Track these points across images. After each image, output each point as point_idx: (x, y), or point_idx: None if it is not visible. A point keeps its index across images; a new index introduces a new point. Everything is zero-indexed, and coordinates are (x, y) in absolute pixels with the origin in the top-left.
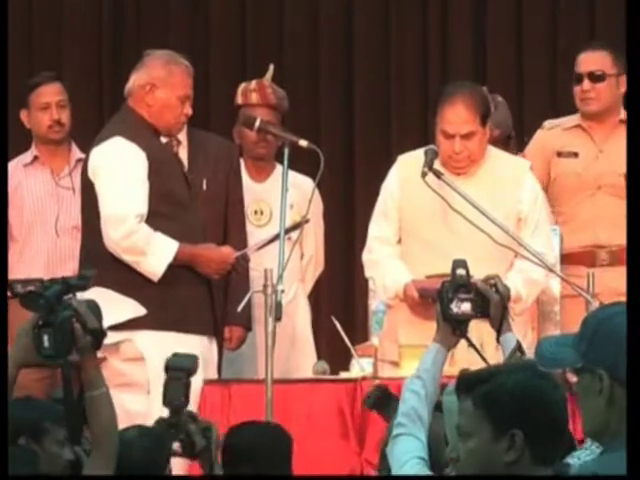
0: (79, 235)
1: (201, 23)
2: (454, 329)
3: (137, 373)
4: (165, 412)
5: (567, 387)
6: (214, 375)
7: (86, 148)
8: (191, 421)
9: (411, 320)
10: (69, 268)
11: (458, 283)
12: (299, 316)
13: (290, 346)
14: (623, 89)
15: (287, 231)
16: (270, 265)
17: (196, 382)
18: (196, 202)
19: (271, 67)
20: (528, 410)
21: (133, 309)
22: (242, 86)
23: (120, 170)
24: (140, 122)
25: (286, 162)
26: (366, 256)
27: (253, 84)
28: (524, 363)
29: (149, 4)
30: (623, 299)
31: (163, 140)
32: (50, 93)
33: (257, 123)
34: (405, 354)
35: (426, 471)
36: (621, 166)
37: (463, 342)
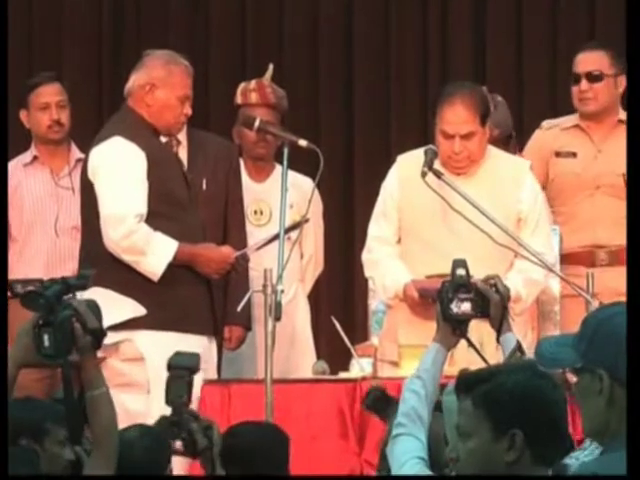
0: (79, 235)
1: (201, 23)
2: (454, 329)
3: (137, 373)
4: (165, 412)
5: (566, 387)
6: (214, 375)
7: (86, 148)
8: (193, 420)
9: (411, 320)
10: (69, 268)
11: (458, 283)
12: (299, 316)
13: (290, 346)
14: (621, 89)
15: (287, 231)
16: (270, 265)
17: (195, 382)
18: (196, 202)
19: (270, 67)
20: (528, 410)
21: (133, 309)
22: (241, 86)
23: (119, 170)
24: (140, 122)
25: (285, 162)
26: (366, 256)
27: (253, 84)
28: (524, 363)
29: (149, 4)
30: (623, 299)
31: (163, 140)
32: (50, 93)
33: (257, 123)
34: (405, 354)
35: (426, 471)
36: (620, 166)
37: (463, 342)
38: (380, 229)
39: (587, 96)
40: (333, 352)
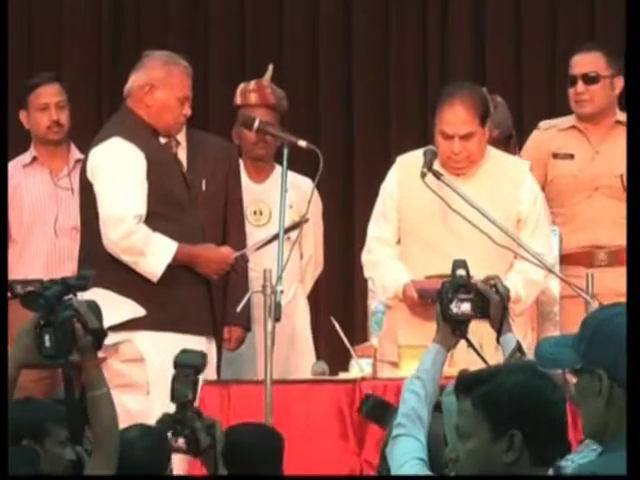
0: (78, 236)
1: (200, 24)
2: (454, 329)
3: (137, 374)
4: (165, 412)
5: (566, 389)
6: (213, 376)
7: (85, 149)
8: (197, 418)
9: (410, 321)
10: (68, 269)
11: (458, 283)
12: (298, 316)
13: (289, 346)
14: (618, 90)
15: (286, 231)
16: (269, 265)
17: None
18: (195, 203)
19: (270, 67)
20: (527, 411)
21: (132, 310)
22: (241, 86)
23: (119, 171)
24: (139, 123)
25: (285, 162)
26: (365, 256)
27: (252, 84)
28: (523, 364)
29: (149, 5)
30: (622, 300)
31: (162, 141)
32: (49, 94)
33: (256, 123)
34: (404, 355)
35: (425, 472)
36: (618, 167)
37: (463, 343)
38: (380, 230)
39: (583, 98)
40: (333, 353)
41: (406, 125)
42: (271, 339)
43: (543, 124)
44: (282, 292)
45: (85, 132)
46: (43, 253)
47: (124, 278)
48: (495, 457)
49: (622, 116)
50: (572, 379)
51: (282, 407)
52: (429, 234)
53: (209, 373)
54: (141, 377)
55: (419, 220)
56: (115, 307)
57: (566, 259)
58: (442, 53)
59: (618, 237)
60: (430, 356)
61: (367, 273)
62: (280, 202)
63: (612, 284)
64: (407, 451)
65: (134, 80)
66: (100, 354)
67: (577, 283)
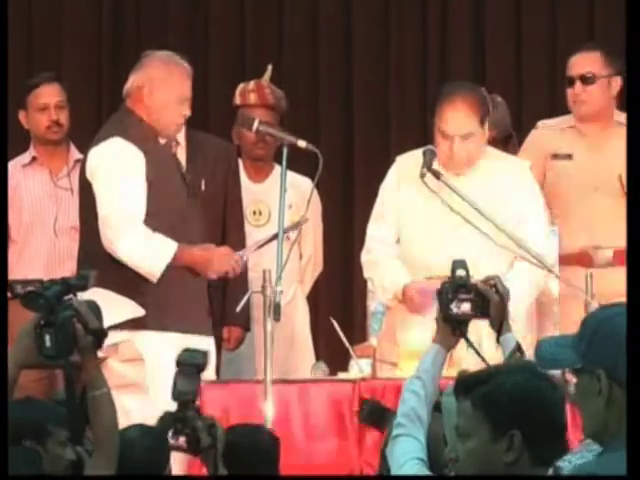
0: (77, 236)
1: (200, 24)
2: (454, 329)
3: (136, 374)
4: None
5: (565, 391)
6: (212, 376)
7: (85, 149)
8: (198, 417)
9: (410, 321)
10: (68, 269)
11: (458, 283)
12: (298, 317)
13: (289, 347)
14: (616, 90)
15: (286, 231)
16: (269, 266)
17: None
18: (194, 203)
19: (269, 68)
20: (527, 411)
21: (131, 310)
22: (240, 87)
23: (118, 171)
24: (138, 123)
25: (285, 162)
26: (365, 257)
27: (251, 85)
28: (523, 364)
29: (148, 5)
30: (622, 300)
31: (161, 141)
32: (49, 94)
33: (255, 124)
34: (404, 355)
35: (425, 472)
36: (616, 168)
37: (462, 343)
38: (379, 230)
39: (581, 98)
40: (332, 353)
41: (406, 125)
42: (270, 339)
43: (541, 124)
44: (281, 292)
45: (85, 132)
46: (43, 253)
47: (123, 278)
48: (495, 457)
49: (620, 116)
50: (572, 379)
51: (281, 407)
52: (429, 234)
53: (208, 373)
54: (140, 377)
55: (419, 220)
56: (114, 307)
57: (565, 259)
58: (442, 53)
59: (617, 237)
60: (430, 356)
61: (366, 273)
62: (279, 202)
63: (612, 284)
64: (407, 451)
65: (134, 80)
66: (99, 354)
67: (576, 283)
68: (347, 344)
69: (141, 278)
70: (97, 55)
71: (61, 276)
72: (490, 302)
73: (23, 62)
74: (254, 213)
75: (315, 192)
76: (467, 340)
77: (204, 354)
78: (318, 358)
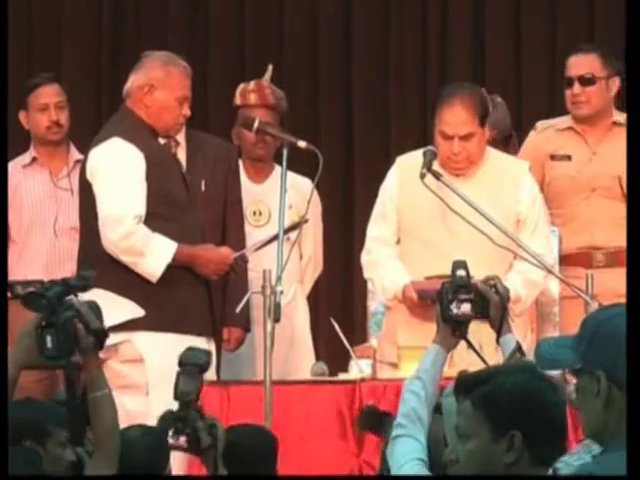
0: (77, 236)
1: (200, 24)
2: (454, 330)
3: (136, 374)
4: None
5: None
6: (213, 376)
7: (85, 149)
8: (199, 417)
9: (410, 321)
10: (68, 269)
11: (458, 284)
12: (298, 317)
13: (289, 347)
14: (614, 91)
15: (286, 232)
16: (269, 266)
17: None
18: (194, 203)
19: (270, 68)
20: (527, 411)
21: (131, 310)
22: (241, 87)
23: (118, 171)
24: (138, 123)
25: (285, 163)
26: (365, 257)
27: (252, 85)
28: (523, 364)
29: (148, 5)
30: (622, 300)
31: (161, 141)
32: (49, 94)
33: (256, 124)
34: (404, 355)
35: (425, 472)
36: (615, 168)
37: (462, 343)
38: (379, 230)
39: (580, 100)
40: (332, 353)
41: (406, 125)
42: (270, 340)
43: (540, 125)
44: (282, 293)
45: (85, 132)
46: (43, 254)
47: (123, 278)
48: (495, 457)
49: (619, 117)
50: (572, 380)
51: (282, 408)
52: (429, 235)
53: (208, 374)
54: (140, 378)
55: (419, 221)
56: (114, 308)
57: (565, 260)
58: (442, 53)
59: (616, 238)
60: (430, 357)
61: (366, 274)
62: (279, 202)
63: (611, 285)
64: (407, 452)
65: (133, 80)
66: (100, 355)
67: (576, 284)
68: (347, 345)
69: (141, 278)
70: (97, 55)
71: (61, 277)
72: (490, 302)
73: (23, 62)
74: (254, 213)
75: (315, 192)
76: (467, 341)
77: (207, 354)
78: (318, 358)
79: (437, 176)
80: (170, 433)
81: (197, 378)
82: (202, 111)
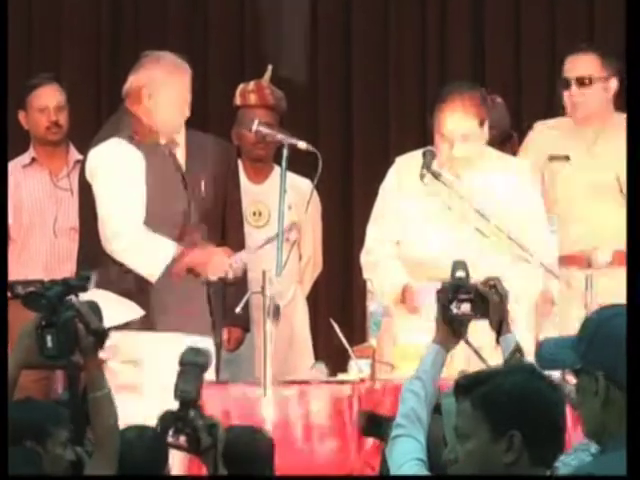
0: (77, 236)
1: (199, 24)
2: (454, 330)
3: (135, 375)
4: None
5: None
6: (212, 376)
7: (84, 149)
8: (199, 417)
9: (409, 321)
10: (67, 269)
11: (458, 284)
12: (297, 317)
13: (288, 347)
14: (612, 91)
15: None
16: (268, 266)
17: None
18: (194, 203)
19: (269, 68)
20: (526, 411)
21: (131, 310)
22: (240, 87)
23: (117, 171)
24: (138, 123)
25: (284, 163)
26: (364, 257)
27: (251, 85)
28: (522, 364)
29: (147, 5)
30: (621, 301)
31: (161, 142)
32: (48, 95)
33: (255, 124)
34: (403, 355)
35: (425, 472)
36: (614, 168)
37: (462, 343)
38: (379, 230)
39: (578, 101)
40: (331, 353)
41: (405, 125)
42: (270, 340)
43: (538, 126)
44: (281, 293)
45: (84, 133)
46: (42, 254)
47: (123, 279)
48: (494, 458)
49: (617, 117)
50: (572, 380)
51: (281, 408)
52: (428, 235)
53: (208, 374)
54: (140, 378)
55: (418, 221)
56: (113, 308)
57: (565, 260)
58: (441, 52)
59: (616, 238)
60: (430, 357)
61: (366, 274)
62: (279, 203)
63: (611, 285)
64: (406, 451)
65: (133, 81)
66: (99, 355)
67: (576, 284)
68: (346, 345)
69: (140, 279)
70: (96, 56)
71: (60, 277)
72: (490, 303)
73: (23, 63)
74: (254, 214)
75: (315, 193)
76: (467, 341)
77: (208, 353)
78: (317, 359)
79: (437, 176)
80: (170, 433)
81: (197, 378)
82: (202, 111)
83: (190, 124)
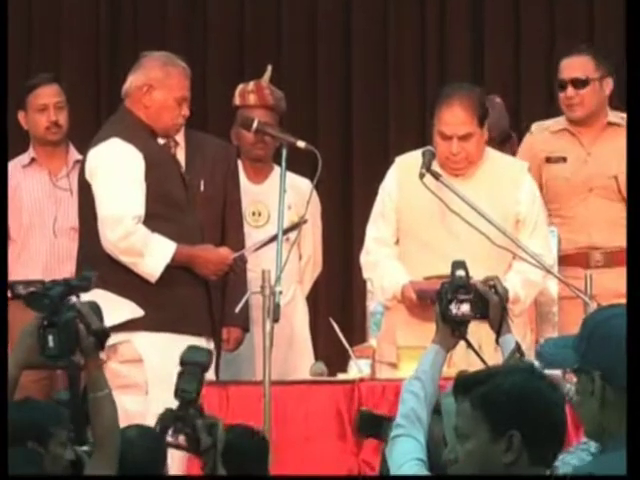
0: (77, 236)
1: (199, 24)
2: (453, 330)
3: (135, 374)
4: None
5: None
6: (212, 376)
7: (84, 149)
8: (199, 416)
9: (409, 321)
10: (67, 269)
11: (457, 284)
12: (297, 317)
13: (288, 347)
14: (608, 91)
15: (285, 232)
16: (268, 266)
17: None
18: (193, 203)
19: (269, 68)
20: (525, 411)
21: (130, 310)
22: (240, 87)
23: (117, 171)
24: (137, 123)
25: (284, 163)
26: (364, 257)
27: (251, 85)
28: (522, 364)
29: (146, 5)
30: (620, 300)
31: (160, 141)
32: (48, 94)
33: (255, 124)
34: (403, 355)
35: (424, 472)
36: (610, 168)
37: (462, 343)
38: (378, 230)
39: (574, 102)
40: (331, 353)
41: (405, 125)
42: (270, 340)
43: (535, 127)
44: (281, 293)
45: (84, 133)
46: (42, 254)
47: (123, 279)
48: (494, 457)
49: (613, 117)
50: (573, 379)
51: (281, 408)
52: (428, 235)
53: (208, 374)
54: (140, 378)
55: (418, 221)
56: (113, 308)
57: (564, 260)
58: (441, 52)
59: (615, 238)
60: (429, 357)
61: (366, 274)
62: (279, 203)
63: (610, 285)
64: (406, 451)
65: (132, 81)
66: (100, 355)
67: (575, 284)
68: (346, 345)
69: (140, 279)
70: (95, 56)
71: (60, 277)
72: (489, 303)
73: (22, 63)
74: (253, 214)
75: (314, 193)
76: (466, 341)
77: (208, 353)
78: (317, 359)
79: (436, 176)
80: (169, 432)
81: (198, 377)
82: (201, 111)
83: (190, 124)
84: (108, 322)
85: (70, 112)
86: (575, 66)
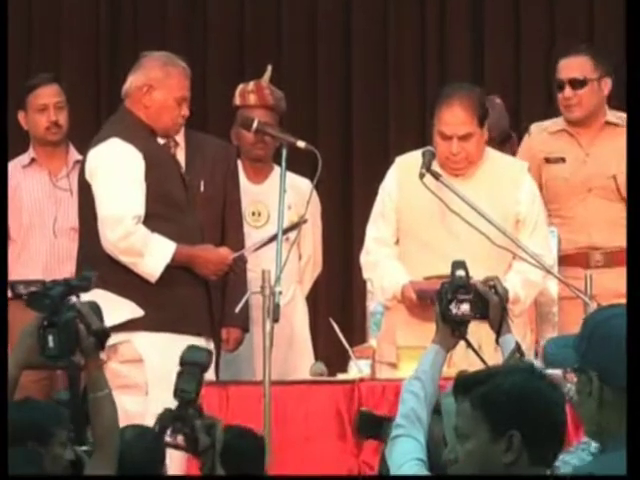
0: (77, 236)
1: (198, 24)
2: (453, 330)
3: (135, 374)
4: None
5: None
6: (211, 377)
7: (84, 149)
8: (197, 416)
9: (409, 321)
10: (67, 269)
11: (457, 284)
12: (297, 317)
13: (288, 347)
14: (606, 91)
15: (285, 232)
16: (268, 266)
17: None
18: (193, 203)
19: (269, 68)
20: (525, 411)
21: (130, 310)
22: (240, 87)
23: (117, 171)
24: (137, 123)
25: (284, 163)
26: (364, 257)
27: (251, 85)
28: (522, 364)
29: (146, 5)
30: (620, 300)
31: (160, 141)
32: (48, 95)
33: (255, 124)
34: (403, 355)
35: (424, 472)
36: (609, 168)
37: (462, 343)
38: (378, 230)
39: (572, 103)
40: (331, 354)
41: (405, 125)
42: (269, 340)
43: (534, 128)
44: (281, 293)
45: (84, 133)
46: (42, 254)
47: (122, 279)
48: (494, 457)
49: (612, 116)
50: (573, 379)
51: (280, 408)
52: (428, 235)
53: (207, 374)
54: (140, 378)
55: (418, 221)
56: (113, 308)
57: (564, 260)
58: (441, 52)
59: (614, 238)
60: (429, 357)
61: (366, 274)
62: (279, 203)
63: (610, 285)
64: (406, 451)
65: (132, 81)
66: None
67: (575, 284)
68: (346, 345)
69: (140, 279)
70: (95, 56)
71: (60, 277)
72: (489, 303)
73: (22, 63)
74: (253, 214)
75: (314, 193)
76: (466, 341)
77: (208, 353)
78: (317, 359)
79: (436, 176)
80: (168, 432)
81: (197, 377)
82: (201, 111)
83: (190, 124)
84: (108, 322)
85: (70, 112)
86: (573, 66)
